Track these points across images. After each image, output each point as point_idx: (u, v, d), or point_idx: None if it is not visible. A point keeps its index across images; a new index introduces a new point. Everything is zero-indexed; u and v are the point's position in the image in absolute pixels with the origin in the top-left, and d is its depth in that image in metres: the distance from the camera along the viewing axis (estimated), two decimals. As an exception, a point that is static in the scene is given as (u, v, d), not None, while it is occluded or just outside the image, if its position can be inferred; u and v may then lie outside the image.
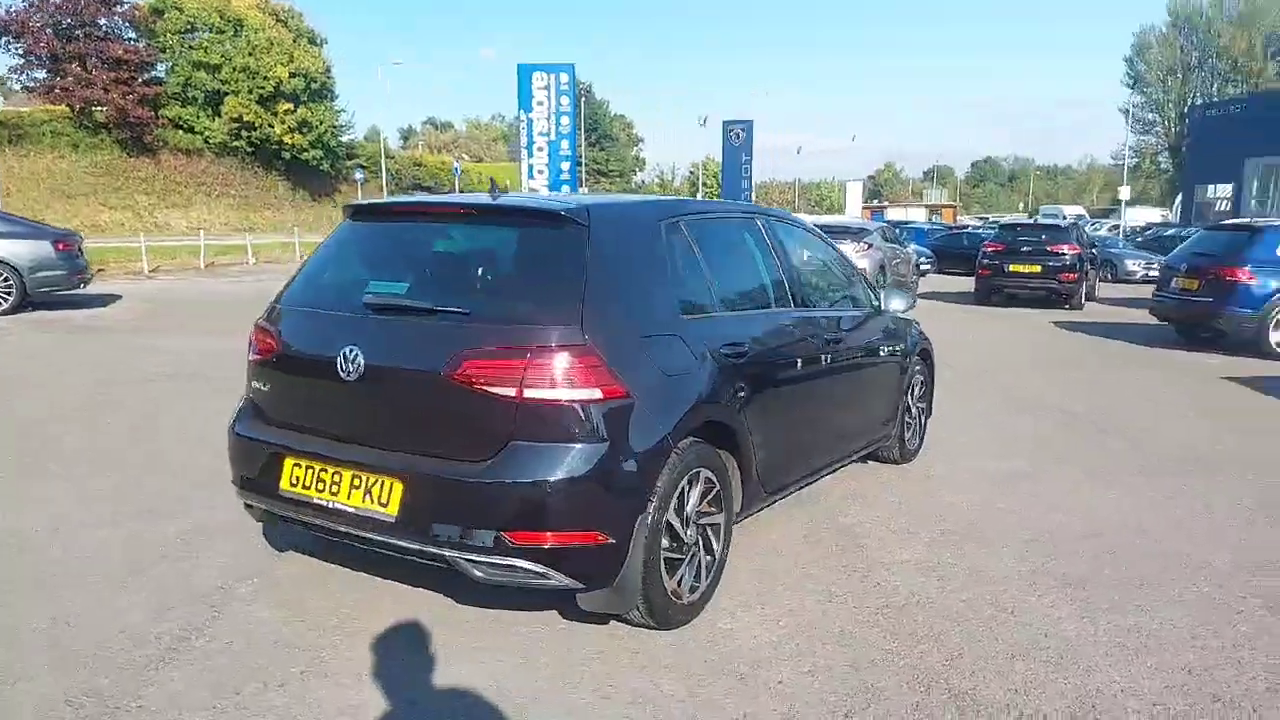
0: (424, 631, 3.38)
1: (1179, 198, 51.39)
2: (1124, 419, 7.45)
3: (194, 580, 3.81)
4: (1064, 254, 16.88)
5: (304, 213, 47.17)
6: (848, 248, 16.23)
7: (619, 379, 3.09)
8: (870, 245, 16.32)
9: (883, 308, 5.25)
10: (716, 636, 3.40)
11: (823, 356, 4.43)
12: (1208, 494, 5.33)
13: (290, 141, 46.37)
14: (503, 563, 3.01)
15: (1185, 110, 73.86)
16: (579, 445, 3.01)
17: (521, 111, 34.59)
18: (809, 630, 3.46)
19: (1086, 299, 17.49)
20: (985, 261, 17.65)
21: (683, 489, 3.35)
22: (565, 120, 33.92)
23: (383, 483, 3.16)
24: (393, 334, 3.28)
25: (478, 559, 3.02)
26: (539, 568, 3.01)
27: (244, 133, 44.50)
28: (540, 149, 33.81)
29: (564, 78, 34.07)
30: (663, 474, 3.21)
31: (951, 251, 27.35)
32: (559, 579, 3.04)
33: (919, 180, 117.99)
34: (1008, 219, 52.19)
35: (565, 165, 33.97)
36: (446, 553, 3.04)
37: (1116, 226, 38.79)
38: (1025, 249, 17.27)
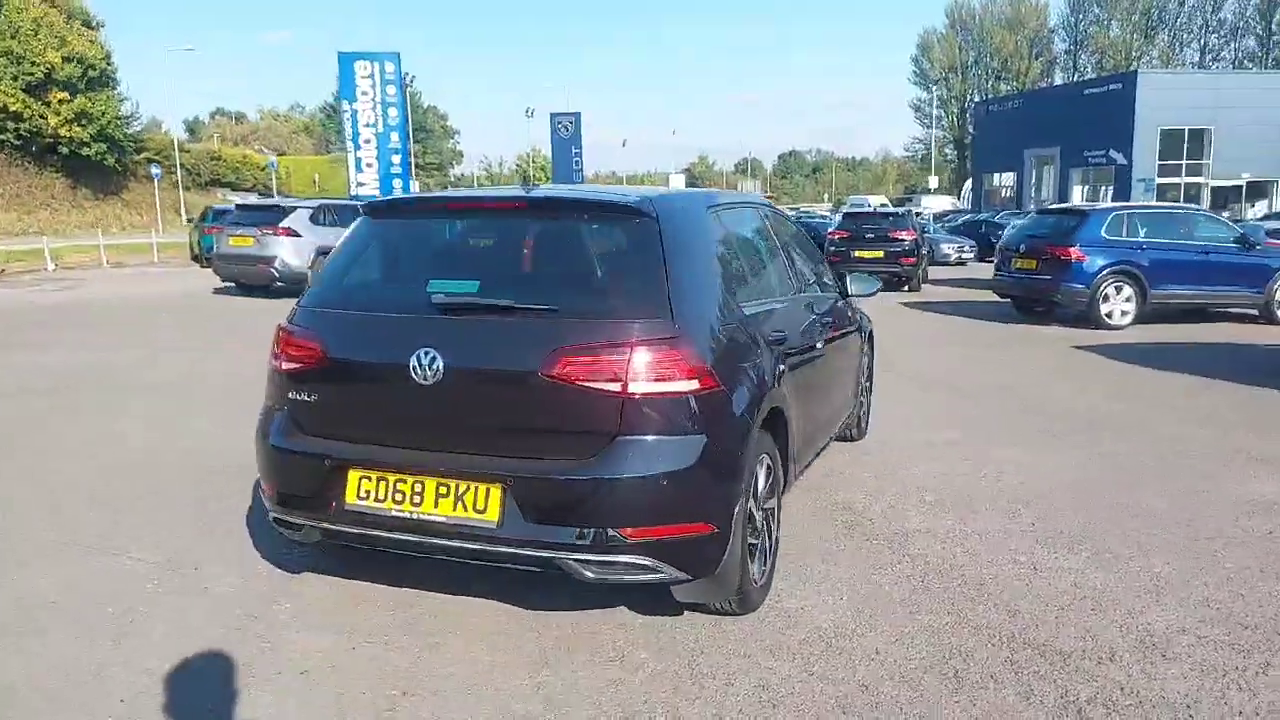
0: (514, 640, 3.27)
1: (967, 185, 56.01)
2: (1015, 388, 8.15)
3: (218, 615, 3.49)
4: (904, 240, 18.12)
5: (87, 213, 43.09)
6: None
7: (711, 369, 3.10)
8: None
9: (848, 292, 5.50)
10: (792, 616, 3.49)
11: (823, 339, 4.60)
12: (1117, 451, 5.95)
13: (68, 134, 42.26)
14: (615, 560, 2.96)
15: (966, 105, 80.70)
16: (684, 437, 3.00)
17: (344, 102, 33.06)
18: (872, 602, 3.62)
19: (921, 281, 18.85)
20: (833, 249, 18.63)
21: (755, 475, 3.42)
22: (393, 111, 32.66)
23: (477, 489, 3.03)
24: (474, 334, 3.14)
25: (589, 558, 2.96)
26: (650, 562, 2.99)
27: (9, 124, 40.11)
28: (368, 141, 32.40)
29: (389, 67, 32.80)
30: (749, 461, 3.27)
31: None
32: (668, 572, 3.03)
33: (731, 172, 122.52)
34: (848, 207, 55.32)
35: (396, 158, 32.75)
36: (558, 555, 2.96)
37: (939, 214, 41.75)
38: (869, 235, 18.40)
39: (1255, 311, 13.07)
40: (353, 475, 3.19)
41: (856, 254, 18.21)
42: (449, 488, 3.06)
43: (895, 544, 4.24)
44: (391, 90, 32.94)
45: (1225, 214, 37.69)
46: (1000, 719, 2.77)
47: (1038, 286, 12.96)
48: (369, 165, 32.37)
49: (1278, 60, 61.47)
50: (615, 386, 2.95)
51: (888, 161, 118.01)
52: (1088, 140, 45.37)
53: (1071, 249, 12.40)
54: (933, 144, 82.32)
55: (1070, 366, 9.49)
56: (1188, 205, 14.28)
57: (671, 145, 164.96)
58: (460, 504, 3.04)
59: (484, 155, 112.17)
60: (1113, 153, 44.97)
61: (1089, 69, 72.80)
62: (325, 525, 3.27)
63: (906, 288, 18.19)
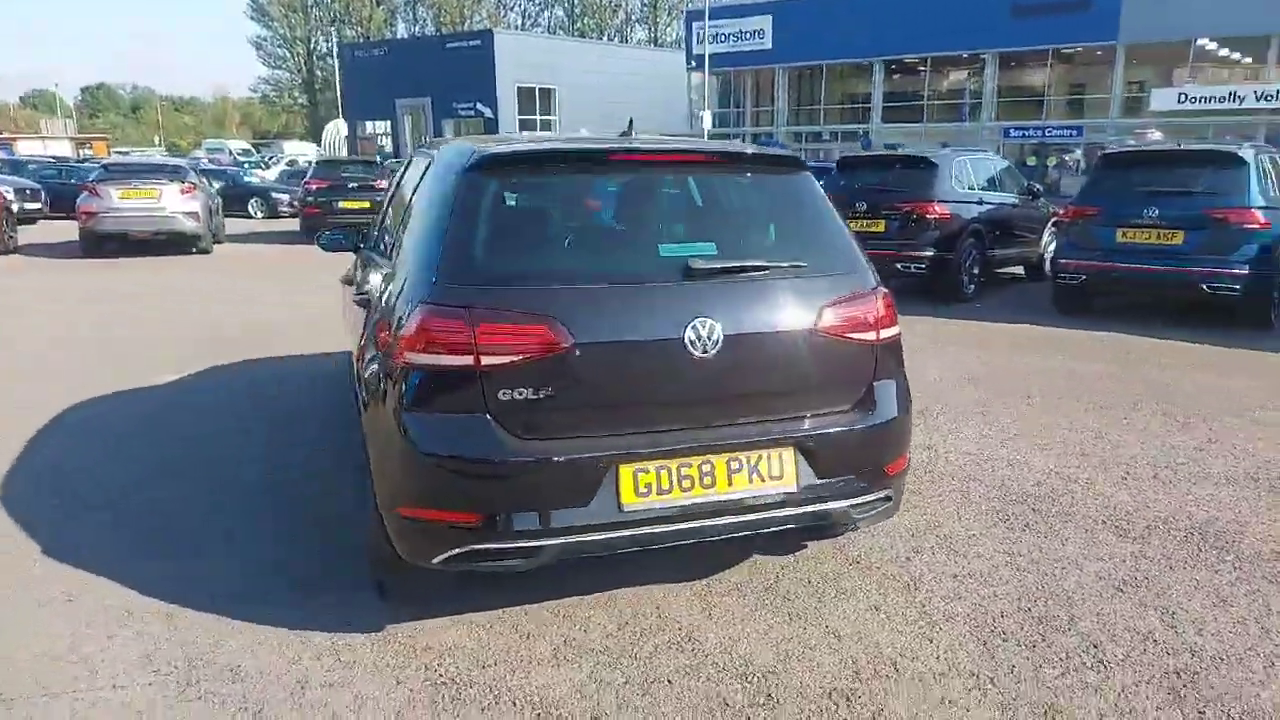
0: (685, 612, 3.20)
1: (332, 130, 55.09)
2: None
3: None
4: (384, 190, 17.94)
5: None
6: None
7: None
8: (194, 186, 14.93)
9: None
10: (929, 567, 3.57)
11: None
12: (1050, 416, 5.60)
13: None
14: (877, 497, 3.16)
15: (312, 48, 79.36)
16: (899, 378, 3.29)
17: None
18: (995, 553, 3.67)
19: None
20: (311, 199, 17.59)
21: None
22: None
23: (769, 456, 2.92)
24: (739, 298, 2.94)
25: (862, 500, 3.11)
26: (893, 494, 3.25)
27: None
28: None
29: None
30: None
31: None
32: (898, 500, 3.32)
33: (18, 106, 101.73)
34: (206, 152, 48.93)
35: None
36: (842, 505, 3.04)
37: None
38: (351, 185, 17.77)
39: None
40: (625, 472, 2.77)
41: (341, 204, 17.52)
42: (741, 461, 2.89)
43: (972, 483, 4.92)
44: None
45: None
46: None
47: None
48: None
49: (582, 30, 73.01)
50: (871, 336, 3.12)
51: (226, 101, 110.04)
52: (456, 93, 48.76)
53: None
54: (268, 85, 79.23)
55: (941, 335, 8.37)
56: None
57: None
58: (755, 475, 2.90)
59: None
60: (480, 106, 49.17)
61: (428, 22, 77.32)
62: (588, 538, 2.77)
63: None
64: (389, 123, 52.48)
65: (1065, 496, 4.29)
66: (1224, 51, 31.37)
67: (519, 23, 76.24)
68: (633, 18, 79.43)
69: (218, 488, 4.35)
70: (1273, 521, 3.98)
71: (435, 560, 2.82)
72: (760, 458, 2.92)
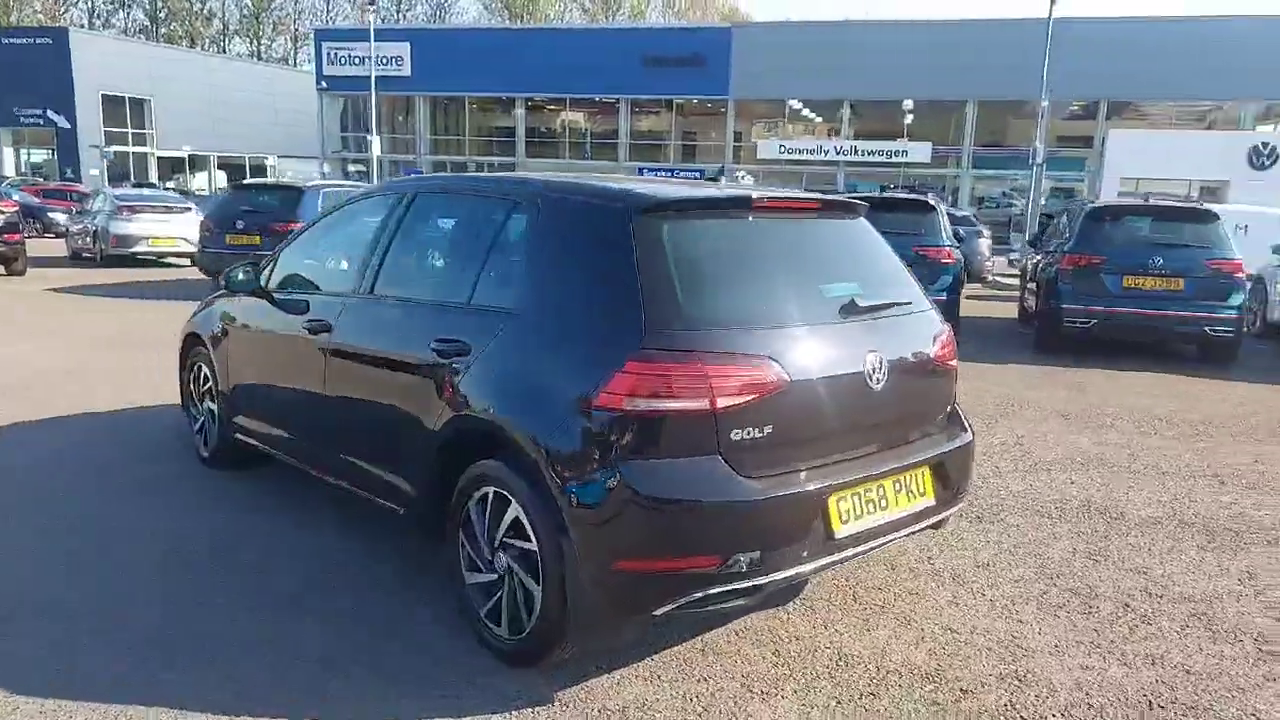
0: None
1: None
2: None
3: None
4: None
5: None
6: None
7: None
8: None
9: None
10: (989, 538, 4.13)
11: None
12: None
13: None
14: (962, 504, 3.54)
15: None
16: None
17: None
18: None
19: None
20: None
21: None
22: None
23: (915, 475, 3.14)
24: (889, 332, 3.15)
25: (957, 508, 3.46)
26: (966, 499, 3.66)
27: None
28: None
29: None
30: None
31: None
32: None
33: None
34: None
35: None
36: (949, 512, 3.37)
37: None
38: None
39: None
40: (832, 501, 2.85)
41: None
42: (901, 482, 3.08)
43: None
44: None
45: (170, 185, 40.00)
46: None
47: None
48: None
49: (169, 38, 65.74)
50: (954, 364, 3.51)
51: None
52: (17, 97, 41.65)
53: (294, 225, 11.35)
54: None
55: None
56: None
57: None
58: (909, 493, 3.11)
59: None
60: (53, 113, 42.43)
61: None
62: (804, 567, 2.80)
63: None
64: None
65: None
66: (807, 112, 37.28)
67: (83, 21, 66.64)
68: (230, 29, 73.47)
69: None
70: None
71: (660, 610, 2.68)
72: (909, 477, 3.16)
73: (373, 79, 30.25)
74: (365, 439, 3.63)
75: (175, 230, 16.15)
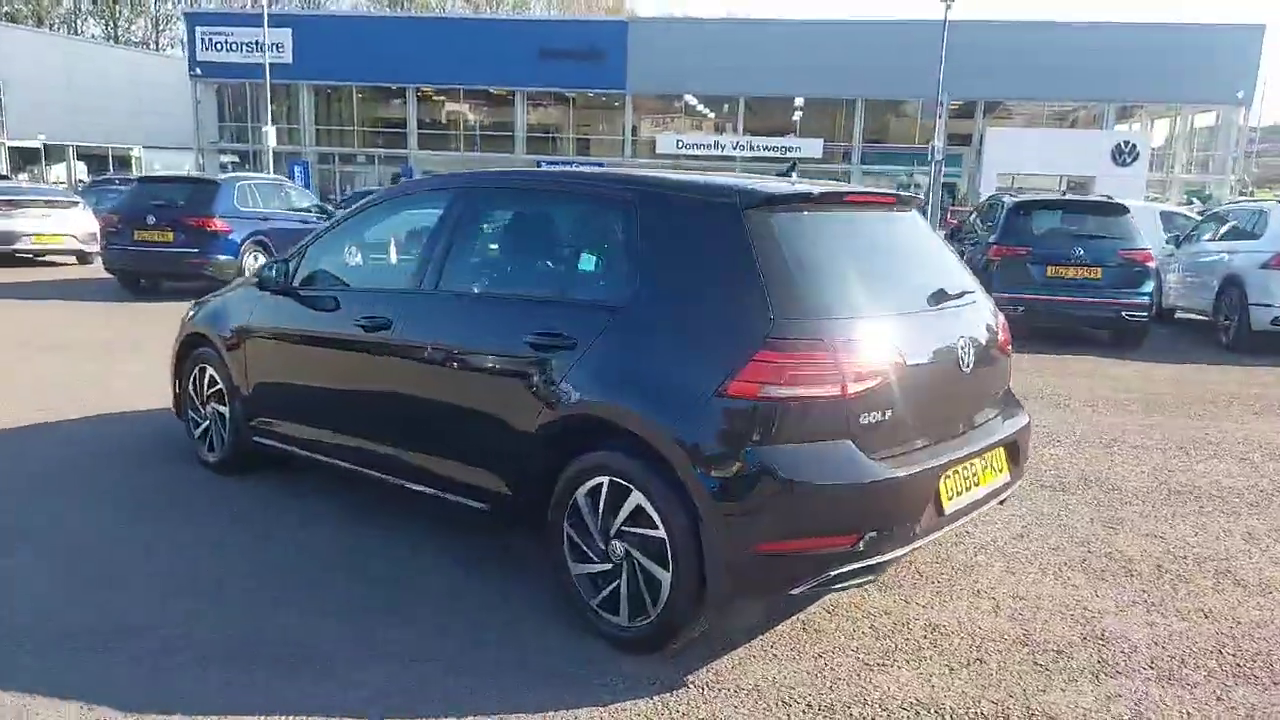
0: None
1: None
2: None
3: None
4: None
5: None
6: None
7: None
8: None
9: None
10: (1012, 511, 4.11)
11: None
12: None
13: None
14: (1021, 480, 3.73)
15: None
16: None
17: None
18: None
19: None
20: None
21: None
22: None
23: (996, 454, 3.32)
24: (969, 319, 3.32)
25: (1018, 483, 3.65)
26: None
27: None
28: None
29: None
30: None
31: None
32: None
33: None
34: None
35: None
36: (1015, 487, 3.55)
37: None
38: None
39: None
40: (943, 480, 2.99)
41: None
42: (986, 460, 3.25)
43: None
44: None
45: (24, 177, 37.17)
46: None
47: (179, 260, 11.58)
48: None
49: (13, 16, 60.86)
50: (1010, 348, 3.71)
51: None
52: None
53: (214, 220, 11.46)
54: None
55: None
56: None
57: None
58: (991, 469, 3.28)
59: None
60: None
61: None
62: (919, 542, 2.92)
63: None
64: None
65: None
66: (701, 108, 37.83)
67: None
68: (83, 8, 68.81)
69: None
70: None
71: (796, 590, 2.76)
72: (993, 455, 3.34)
73: (266, 65, 28.93)
74: (439, 437, 3.54)
75: (61, 227, 15.03)
